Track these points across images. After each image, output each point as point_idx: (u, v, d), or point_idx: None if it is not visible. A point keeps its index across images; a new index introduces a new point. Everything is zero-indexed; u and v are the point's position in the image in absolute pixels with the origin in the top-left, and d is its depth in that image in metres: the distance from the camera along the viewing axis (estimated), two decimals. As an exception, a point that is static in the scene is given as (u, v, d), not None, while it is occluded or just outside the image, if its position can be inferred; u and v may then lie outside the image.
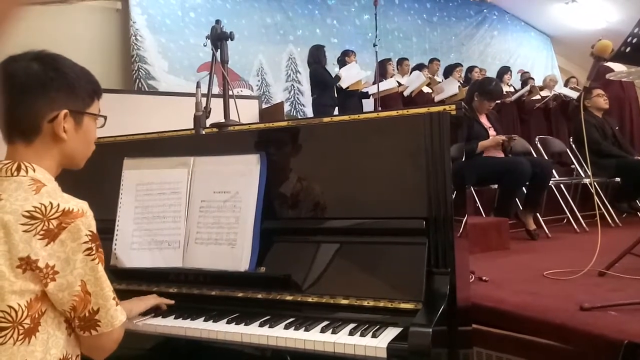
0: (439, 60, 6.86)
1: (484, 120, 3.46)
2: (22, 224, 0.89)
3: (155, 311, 1.37)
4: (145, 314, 1.35)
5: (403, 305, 1.15)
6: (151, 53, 6.15)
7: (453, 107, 1.30)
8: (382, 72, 5.56)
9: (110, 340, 1.02)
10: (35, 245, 0.89)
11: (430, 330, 1.00)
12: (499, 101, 4.98)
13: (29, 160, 0.99)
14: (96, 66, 1.14)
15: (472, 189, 3.47)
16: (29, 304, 0.90)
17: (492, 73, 6.76)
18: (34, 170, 0.97)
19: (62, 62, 1.04)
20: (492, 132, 3.41)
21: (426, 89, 5.98)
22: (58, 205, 0.92)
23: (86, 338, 1.00)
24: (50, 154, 1.02)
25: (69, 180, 1.09)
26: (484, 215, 3.54)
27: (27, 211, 0.90)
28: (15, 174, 0.96)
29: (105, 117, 1.12)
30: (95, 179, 1.43)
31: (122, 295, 1.37)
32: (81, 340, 1.01)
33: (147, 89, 5.93)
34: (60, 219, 0.91)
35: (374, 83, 5.40)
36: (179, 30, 6.37)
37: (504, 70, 6.72)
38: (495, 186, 3.32)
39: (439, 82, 6.29)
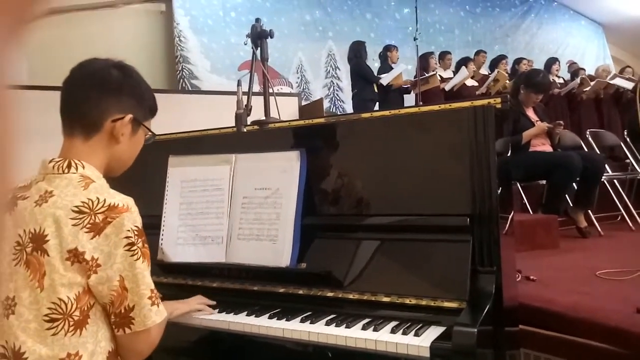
0: (485, 52, 6.65)
1: (530, 113, 3.33)
2: (71, 218, 0.94)
3: (221, 306, 1.36)
4: None
5: (446, 304, 1.13)
6: (194, 53, 6.30)
7: (498, 100, 1.26)
8: (423, 66, 5.46)
9: (145, 342, 1.01)
10: (82, 238, 0.93)
11: (476, 330, 0.98)
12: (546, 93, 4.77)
13: (83, 155, 1.03)
14: (143, 67, 1.19)
15: (519, 185, 3.36)
16: (77, 296, 0.94)
17: (539, 65, 6.50)
18: (83, 167, 1.02)
19: (137, 74, 1.13)
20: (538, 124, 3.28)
21: (470, 82, 5.82)
22: (104, 200, 0.96)
23: (121, 338, 1.00)
24: (103, 153, 1.07)
25: (120, 178, 1.14)
26: (531, 212, 3.42)
27: (76, 206, 0.95)
28: (65, 171, 1.00)
29: (154, 136, 1.17)
30: (144, 176, 1.48)
31: (168, 288, 1.42)
32: (117, 341, 1.01)
33: (190, 89, 6.08)
34: (106, 214, 0.95)
35: (415, 78, 5.31)
36: (220, 30, 6.49)
37: (552, 61, 6.44)
38: (544, 182, 3.20)
39: (484, 75, 6.11)
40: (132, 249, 0.97)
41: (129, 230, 0.97)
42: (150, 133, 1.17)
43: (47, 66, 4.81)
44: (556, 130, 3.24)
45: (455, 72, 5.86)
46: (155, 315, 1.00)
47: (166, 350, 1.13)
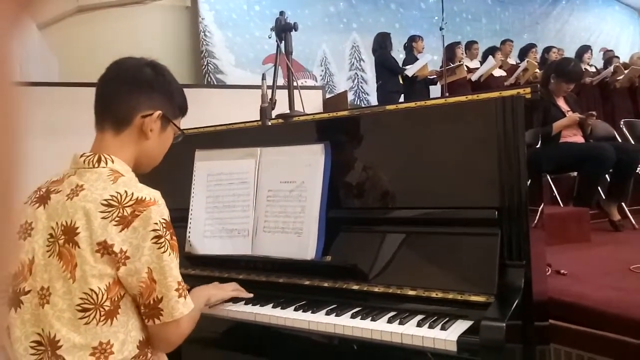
0: (512, 41, 6.49)
1: (561, 103, 3.24)
2: (100, 212, 0.96)
3: (232, 299, 1.38)
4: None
5: (473, 298, 1.11)
6: (219, 48, 6.36)
7: (528, 90, 1.23)
8: (450, 56, 5.37)
9: (175, 333, 1.03)
10: (111, 230, 0.95)
11: (504, 324, 0.96)
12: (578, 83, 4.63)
13: (113, 149, 1.06)
14: (169, 62, 1.21)
15: (549, 177, 3.28)
16: (108, 287, 0.96)
17: (570, 53, 6.31)
18: (112, 162, 1.04)
19: (169, 73, 1.16)
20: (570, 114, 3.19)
21: (497, 73, 5.69)
22: (132, 193, 0.98)
23: (151, 328, 1.02)
24: (132, 148, 1.09)
25: (149, 171, 1.16)
26: (561, 205, 3.34)
27: (105, 199, 0.97)
28: (95, 165, 1.03)
29: (183, 133, 1.19)
30: (172, 170, 1.51)
31: (195, 280, 1.45)
32: (148, 330, 1.03)
33: (215, 83, 6.15)
34: (134, 207, 0.97)
35: (441, 68, 5.22)
36: (244, 24, 6.52)
37: (584, 49, 6.24)
38: (575, 174, 3.11)
39: (512, 64, 5.97)
40: (160, 241, 0.99)
41: (156, 223, 0.98)
42: (179, 131, 1.19)
43: (77, 64, 4.93)
44: (588, 121, 3.14)
45: (482, 62, 5.74)
46: (182, 307, 1.02)
47: (193, 341, 1.15)
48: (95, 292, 0.95)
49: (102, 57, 1.16)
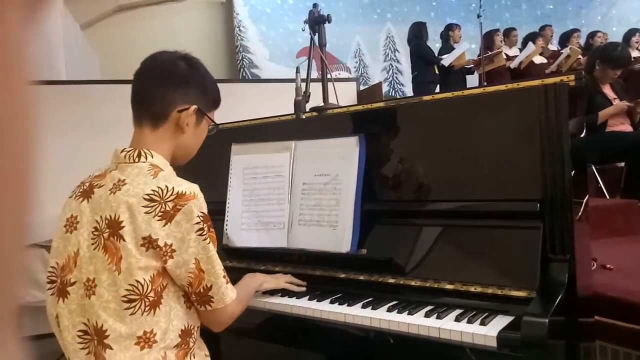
0: (551, 26, 6.23)
1: (607, 90, 3.10)
2: (143, 206, 0.99)
3: (283, 290, 1.37)
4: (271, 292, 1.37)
5: (514, 293, 1.08)
6: (253, 42, 6.41)
7: (572, 77, 1.17)
8: (488, 44, 5.21)
9: (224, 315, 1.10)
10: (155, 225, 0.98)
11: (547, 320, 0.93)
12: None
13: (151, 144, 1.09)
14: (205, 58, 1.22)
15: (594, 167, 3.15)
16: (152, 278, 1.00)
17: (617, 38, 6.00)
18: (152, 157, 1.07)
19: (203, 66, 1.18)
20: (617, 103, 3.04)
21: (538, 60, 5.49)
22: (173, 188, 1.01)
23: (203, 312, 1.09)
24: (169, 142, 1.12)
25: (187, 165, 1.19)
26: (607, 197, 3.20)
27: (147, 194, 1.00)
28: (136, 160, 1.06)
29: (217, 126, 1.21)
30: (209, 164, 1.53)
31: (232, 272, 1.47)
32: (200, 313, 1.10)
33: (250, 77, 6.21)
34: (175, 201, 1.00)
35: (478, 56, 5.09)
36: (278, 18, 6.55)
37: (632, 33, 5.91)
38: (622, 164, 2.97)
39: (553, 51, 5.74)
40: (203, 233, 1.02)
41: (197, 217, 1.01)
42: (213, 124, 1.21)
43: (117, 61, 5.08)
44: (637, 109, 2.99)
45: (521, 50, 5.54)
46: (231, 292, 1.10)
47: (231, 331, 1.18)
48: (141, 284, 0.98)
49: (142, 54, 1.19)
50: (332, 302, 1.28)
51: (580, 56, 5.24)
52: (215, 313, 1.08)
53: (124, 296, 0.98)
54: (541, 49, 5.56)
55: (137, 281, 0.98)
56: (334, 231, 1.37)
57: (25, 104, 0.25)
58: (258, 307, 1.36)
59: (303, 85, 1.65)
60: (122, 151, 1.08)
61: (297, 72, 1.66)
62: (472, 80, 5.54)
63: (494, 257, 1.16)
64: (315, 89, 1.73)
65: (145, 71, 1.13)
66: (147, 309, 0.99)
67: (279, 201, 1.50)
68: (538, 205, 1.11)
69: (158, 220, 0.99)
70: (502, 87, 1.26)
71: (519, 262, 1.11)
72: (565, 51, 5.42)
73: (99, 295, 0.99)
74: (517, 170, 1.18)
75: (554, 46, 5.98)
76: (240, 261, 1.56)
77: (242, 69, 6.31)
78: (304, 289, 1.37)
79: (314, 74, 1.85)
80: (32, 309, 2.72)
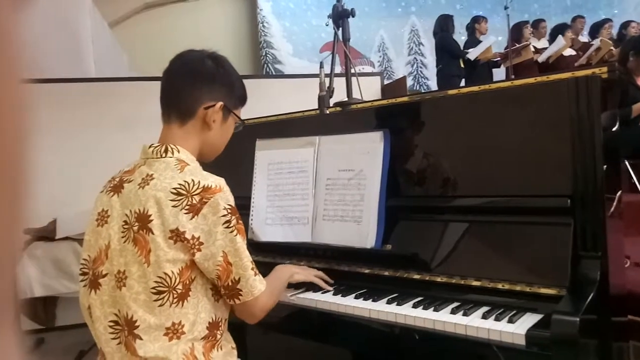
0: (583, 17, 6.03)
1: (641, 82, 2.99)
2: (170, 200, 1.01)
3: (308, 285, 1.38)
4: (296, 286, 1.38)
5: (543, 290, 1.06)
6: (277, 38, 6.42)
7: (604, 69, 1.14)
8: (516, 37, 5.08)
9: (256, 307, 1.10)
10: (182, 218, 1.00)
11: (578, 319, 0.91)
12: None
13: (178, 140, 1.11)
14: (229, 54, 1.23)
15: (627, 162, 3.04)
16: (180, 271, 1.01)
17: (652, 27, 5.77)
18: (178, 152, 1.09)
19: (229, 64, 1.19)
20: (652, 95, 2.93)
21: (567, 52, 5.33)
22: (199, 182, 1.02)
23: (234, 306, 1.10)
24: (196, 138, 1.14)
25: (213, 161, 1.20)
26: (640, 192, 3.09)
27: (174, 188, 1.01)
28: (163, 155, 1.08)
29: (243, 123, 1.22)
30: (234, 160, 1.55)
31: (258, 267, 1.48)
32: (234, 306, 1.11)
33: (274, 73, 6.23)
34: (201, 195, 1.01)
35: (505, 49, 4.98)
36: (301, 13, 6.54)
37: (668, 22, 5.69)
38: (657, 159, 2.86)
39: (584, 42, 5.56)
40: (230, 226, 1.03)
41: (224, 209, 1.02)
42: (239, 121, 1.22)
43: (144, 58, 5.17)
44: None
45: (550, 42, 5.39)
46: (259, 284, 1.09)
47: (257, 325, 1.19)
48: (169, 276, 1.00)
49: (168, 51, 1.20)
50: (356, 297, 1.27)
51: (612, 48, 5.06)
52: (245, 306, 1.09)
53: (153, 288, 1.00)
54: (571, 42, 5.39)
55: (166, 273, 1.00)
56: (358, 226, 1.37)
57: (15, 101, 0.24)
58: (283, 301, 1.36)
59: (327, 80, 1.65)
60: (150, 147, 1.10)
61: (320, 67, 1.66)
62: (499, 73, 5.42)
63: (522, 253, 1.14)
64: (339, 83, 1.72)
65: (173, 69, 1.15)
66: (175, 301, 1.01)
67: (303, 196, 1.51)
68: (569, 200, 1.09)
69: (185, 213, 1.00)
70: (531, 79, 1.23)
71: (548, 259, 1.09)
72: (596, 43, 5.25)
73: (129, 286, 1.02)
74: (547, 165, 1.15)
75: (584, 37, 5.80)
76: (265, 256, 1.57)
77: (266, 65, 6.33)
78: (330, 288, 1.36)
79: (338, 69, 1.84)
80: (66, 299, 2.82)
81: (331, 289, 1.36)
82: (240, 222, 1.07)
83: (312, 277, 1.37)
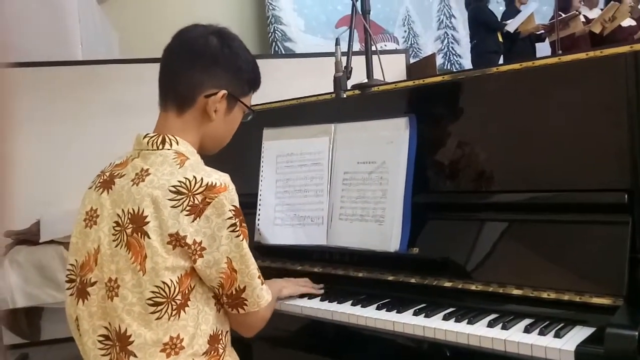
0: (644, -19, 5.91)
1: None
2: (169, 199, 1.01)
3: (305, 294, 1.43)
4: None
5: (595, 300, 1.05)
6: (286, 12, 6.42)
7: (669, 41, 1.11)
8: (563, 5, 5.01)
9: (257, 319, 1.13)
10: (183, 221, 1.00)
11: (637, 333, 0.90)
12: None
13: (176, 130, 1.11)
14: (232, 31, 1.23)
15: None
16: (179, 279, 1.02)
17: None
18: (177, 143, 1.09)
19: (239, 43, 1.17)
20: None
21: (626, 22, 5.23)
22: (202, 179, 1.02)
23: (234, 315, 1.11)
24: (196, 130, 1.14)
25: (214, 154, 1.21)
26: None
27: (173, 186, 1.02)
28: (160, 147, 1.08)
29: (253, 112, 1.22)
30: (238, 152, 1.55)
31: (266, 273, 1.49)
32: (230, 316, 1.13)
33: (283, 52, 6.23)
34: (205, 194, 1.01)
35: (551, 20, 4.91)
36: (314, -17, 6.52)
37: None
38: None
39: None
40: (235, 229, 1.04)
41: (229, 211, 1.03)
42: (248, 109, 1.21)
43: (137, 37, 5.21)
44: None
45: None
46: (266, 294, 1.12)
47: (264, 339, 1.20)
48: (168, 285, 1.01)
49: (164, 28, 1.20)
50: (378, 308, 1.28)
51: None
52: (248, 316, 1.11)
53: (149, 299, 1.01)
54: (630, 9, 5.29)
55: (164, 282, 1.01)
56: (380, 227, 1.37)
57: None
58: (295, 313, 1.37)
59: (344, 59, 1.64)
60: (145, 137, 1.10)
61: (336, 45, 1.65)
62: (543, 48, 5.36)
63: (571, 257, 1.13)
64: (358, 63, 1.72)
65: (172, 47, 1.14)
66: (174, 312, 1.02)
67: (317, 193, 1.51)
68: (626, 196, 1.08)
69: (186, 215, 1.01)
70: (581, 55, 1.21)
71: (601, 264, 1.09)
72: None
73: (122, 297, 1.03)
74: (601, 155, 1.15)
75: (645, 5, 5.68)
76: (274, 260, 1.58)
77: (274, 43, 6.34)
78: (321, 291, 1.41)
79: (356, 47, 1.84)
80: (52, 311, 2.87)
81: (321, 292, 1.41)
82: (244, 225, 1.07)
83: (301, 288, 1.40)
